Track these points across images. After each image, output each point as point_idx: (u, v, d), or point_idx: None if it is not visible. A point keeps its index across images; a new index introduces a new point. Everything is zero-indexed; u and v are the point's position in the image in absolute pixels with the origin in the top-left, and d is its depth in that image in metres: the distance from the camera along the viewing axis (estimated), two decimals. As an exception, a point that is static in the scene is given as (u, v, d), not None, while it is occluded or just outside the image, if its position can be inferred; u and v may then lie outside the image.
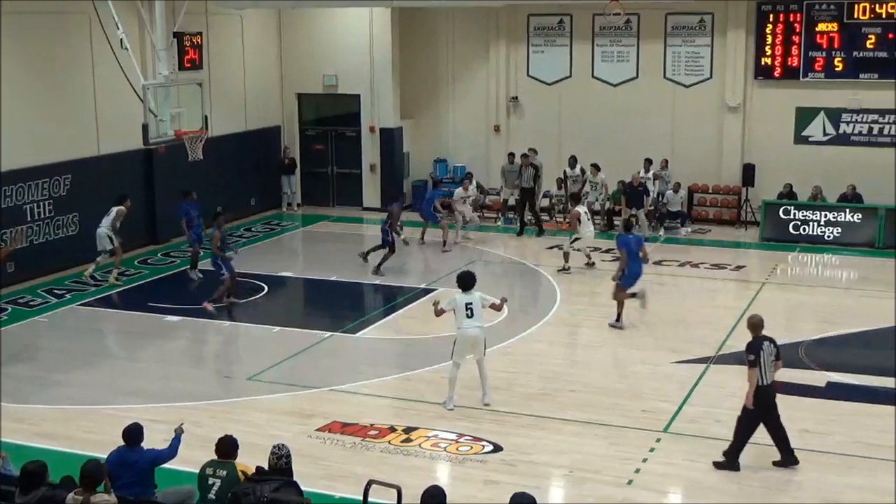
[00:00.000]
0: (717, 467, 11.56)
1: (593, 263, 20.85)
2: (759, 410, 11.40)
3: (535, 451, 12.09)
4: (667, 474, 11.63)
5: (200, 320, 17.75)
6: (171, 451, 9.80)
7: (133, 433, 9.58)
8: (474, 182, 24.40)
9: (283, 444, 8.97)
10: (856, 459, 11.87)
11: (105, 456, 9.56)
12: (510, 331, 16.78)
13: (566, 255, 20.66)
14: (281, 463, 8.82)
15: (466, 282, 13.57)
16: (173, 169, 22.30)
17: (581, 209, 20.78)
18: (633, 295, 17.18)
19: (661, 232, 24.19)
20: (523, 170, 24.33)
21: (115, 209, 19.84)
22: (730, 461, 11.56)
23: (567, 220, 22.19)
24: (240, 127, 25.99)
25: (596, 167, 24.48)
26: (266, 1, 25.29)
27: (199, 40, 21.94)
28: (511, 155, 25.12)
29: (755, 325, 11.59)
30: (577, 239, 20.61)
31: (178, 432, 10.02)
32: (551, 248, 22.58)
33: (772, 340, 11.55)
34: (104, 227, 19.70)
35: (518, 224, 24.57)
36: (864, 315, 17.87)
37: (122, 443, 9.60)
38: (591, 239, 21.00)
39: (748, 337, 11.52)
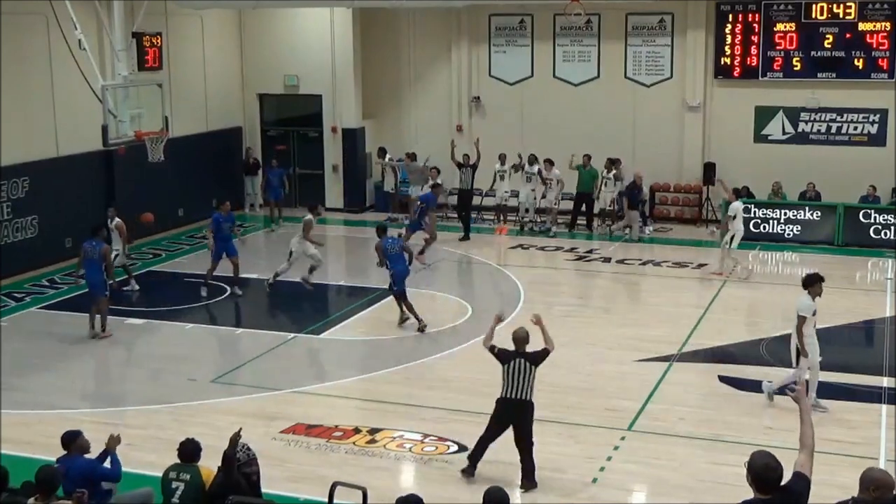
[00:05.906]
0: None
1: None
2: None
3: (500, 451, 12.08)
4: (631, 472, 11.68)
5: (164, 322, 17.64)
6: (116, 473, 9.48)
7: (67, 440, 9.41)
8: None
9: (243, 443, 8.97)
10: (819, 455, 11.92)
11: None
12: (473, 331, 16.79)
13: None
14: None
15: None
16: (133, 170, 22.12)
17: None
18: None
19: (649, 230, 24.26)
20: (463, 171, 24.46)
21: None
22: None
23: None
24: (200, 128, 25.82)
25: (549, 162, 24.36)
26: (226, 0, 25.13)
27: (158, 41, 21.75)
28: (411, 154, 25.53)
29: None
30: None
31: (111, 447, 9.51)
32: (514, 247, 22.61)
33: None
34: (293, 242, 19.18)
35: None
36: (824, 312, 17.95)
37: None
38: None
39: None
